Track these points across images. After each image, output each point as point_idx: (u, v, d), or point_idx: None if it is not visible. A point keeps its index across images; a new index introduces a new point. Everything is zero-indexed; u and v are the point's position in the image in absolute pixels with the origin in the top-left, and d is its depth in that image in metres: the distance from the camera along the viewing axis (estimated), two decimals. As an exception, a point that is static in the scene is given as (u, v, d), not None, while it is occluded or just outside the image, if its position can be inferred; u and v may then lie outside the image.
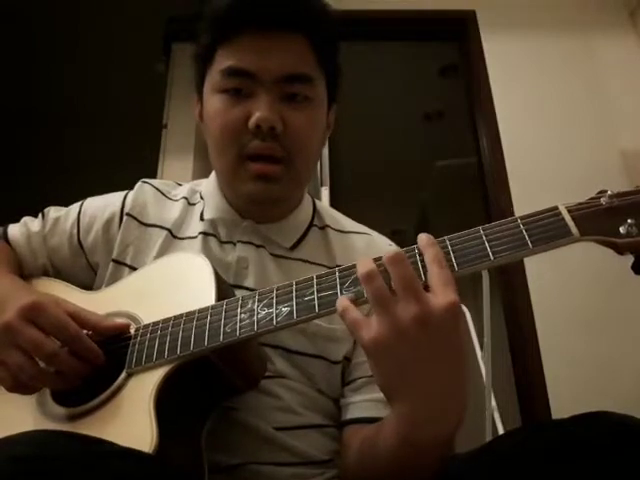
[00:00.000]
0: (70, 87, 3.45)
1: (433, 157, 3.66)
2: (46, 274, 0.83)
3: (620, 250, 0.52)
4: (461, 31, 2.74)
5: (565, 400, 2.03)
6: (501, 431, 1.62)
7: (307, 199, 0.87)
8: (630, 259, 0.53)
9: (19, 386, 0.62)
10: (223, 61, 0.74)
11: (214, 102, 0.76)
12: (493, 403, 1.65)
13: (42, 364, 0.61)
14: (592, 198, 0.54)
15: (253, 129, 0.72)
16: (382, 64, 3.18)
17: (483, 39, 2.66)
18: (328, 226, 0.86)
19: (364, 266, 0.51)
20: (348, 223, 0.89)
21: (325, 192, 2.19)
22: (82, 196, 0.89)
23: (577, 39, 2.69)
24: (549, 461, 0.52)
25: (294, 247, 0.81)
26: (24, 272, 0.83)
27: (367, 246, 0.84)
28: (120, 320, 0.67)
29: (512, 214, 2.31)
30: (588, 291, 2.18)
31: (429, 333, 0.49)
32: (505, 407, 1.80)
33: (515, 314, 2.22)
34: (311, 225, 0.85)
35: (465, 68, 2.76)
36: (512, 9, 2.72)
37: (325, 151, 2.35)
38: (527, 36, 2.69)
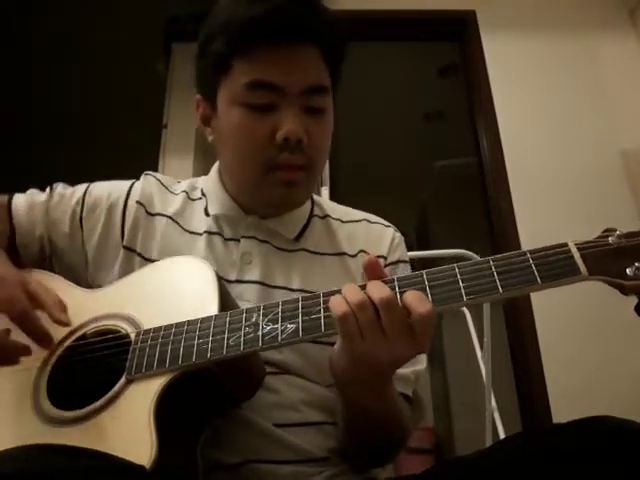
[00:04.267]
0: (70, 87, 3.45)
1: (433, 157, 3.65)
2: (42, 248, 0.82)
3: (625, 291, 0.53)
4: (461, 31, 2.74)
5: (565, 400, 2.03)
6: (501, 431, 1.62)
7: None
8: (634, 300, 0.53)
9: None
10: (245, 74, 0.74)
11: (235, 115, 0.75)
12: (493, 403, 1.65)
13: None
14: (600, 237, 0.56)
15: (281, 142, 0.73)
16: (382, 64, 3.18)
17: (483, 39, 2.66)
18: (328, 216, 0.88)
19: (352, 294, 0.56)
20: (345, 211, 0.92)
21: (325, 192, 2.19)
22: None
23: (577, 39, 2.69)
24: (549, 466, 0.52)
25: (298, 238, 0.83)
26: (18, 242, 0.82)
27: (365, 232, 0.87)
28: (67, 321, 0.68)
29: (512, 214, 2.31)
30: (588, 291, 2.17)
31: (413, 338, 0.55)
32: (505, 407, 1.80)
33: (515, 314, 2.22)
34: (312, 215, 0.87)
35: (465, 68, 2.76)
36: (512, 9, 2.72)
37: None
38: (527, 36, 2.69)
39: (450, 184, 3.49)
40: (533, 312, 2.16)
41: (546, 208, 2.27)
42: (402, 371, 0.75)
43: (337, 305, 0.55)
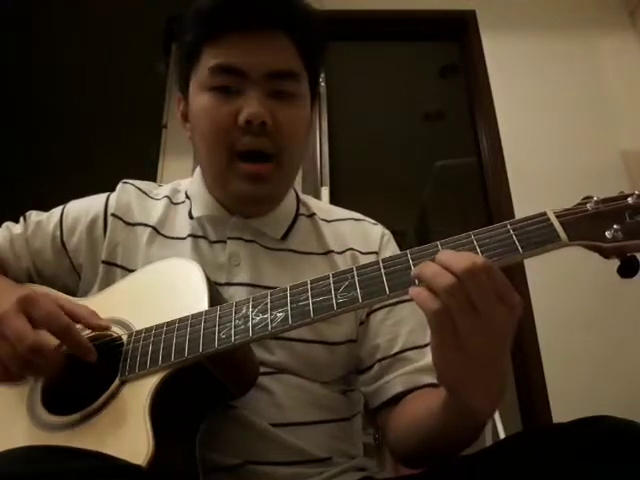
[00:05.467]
0: (70, 87, 3.45)
1: (433, 157, 3.65)
2: (30, 278, 0.82)
3: (606, 254, 0.53)
4: (461, 31, 2.74)
5: (565, 400, 2.03)
6: (501, 431, 1.62)
7: (290, 190, 0.88)
8: (616, 263, 0.54)
9: (9, 376, 0.62)
10: (210, 59, 0.74)
11: (202, 100, 0.76)
12: (493, 403, 1.64)
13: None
14: (579, 204, 0.56)
15: (243, 125, 0.73)
16: (382, 64, 3.18)
17: (483, 39, 2.65)
18: (315, 214, 0.88)
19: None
20: (330, 210, 0.91)
21: (325, 192, 2.19)
22: (83, 196, 0.88)
23: (577, 39, 2.68)
24: (549, 465, 0.52)
25: (284, 237, 0.82)
26: (8, 276, 0.82)
27: (352, 230, 0.86)
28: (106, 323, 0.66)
29: (512, 214, 2.31)
30: (588, 291, 2.18)
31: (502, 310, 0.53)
32: (505, 408, 1.80)
33: (515, 314, 2.21)
34: (298, 214, 0.86)
35: (465, 68, 2.76)
36: (512, 9, 2.71)
37: (325, 151, 2.35)
38: (527, 36, 2.68)
39: (450, 184, 3.49)
40: (533, 312, 2.16)
41: (546, 208, 2.27)
42: (428, 361, 0.75)
43: (424, 300, 0.51)
